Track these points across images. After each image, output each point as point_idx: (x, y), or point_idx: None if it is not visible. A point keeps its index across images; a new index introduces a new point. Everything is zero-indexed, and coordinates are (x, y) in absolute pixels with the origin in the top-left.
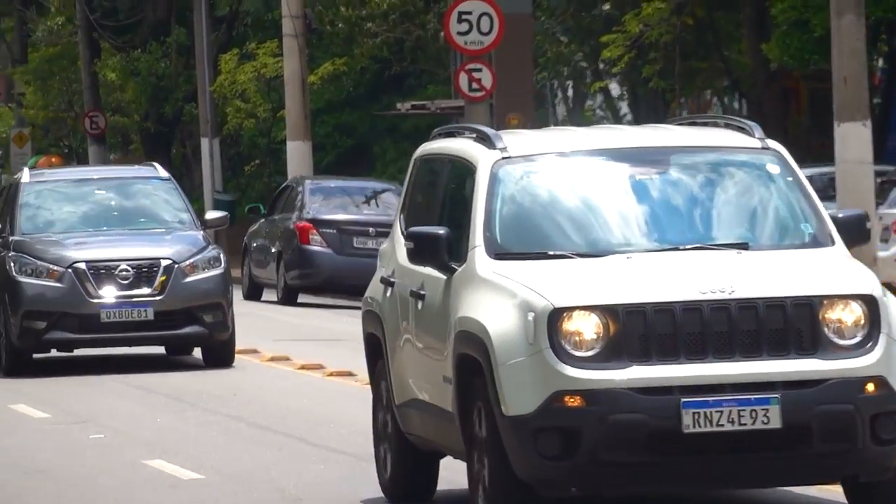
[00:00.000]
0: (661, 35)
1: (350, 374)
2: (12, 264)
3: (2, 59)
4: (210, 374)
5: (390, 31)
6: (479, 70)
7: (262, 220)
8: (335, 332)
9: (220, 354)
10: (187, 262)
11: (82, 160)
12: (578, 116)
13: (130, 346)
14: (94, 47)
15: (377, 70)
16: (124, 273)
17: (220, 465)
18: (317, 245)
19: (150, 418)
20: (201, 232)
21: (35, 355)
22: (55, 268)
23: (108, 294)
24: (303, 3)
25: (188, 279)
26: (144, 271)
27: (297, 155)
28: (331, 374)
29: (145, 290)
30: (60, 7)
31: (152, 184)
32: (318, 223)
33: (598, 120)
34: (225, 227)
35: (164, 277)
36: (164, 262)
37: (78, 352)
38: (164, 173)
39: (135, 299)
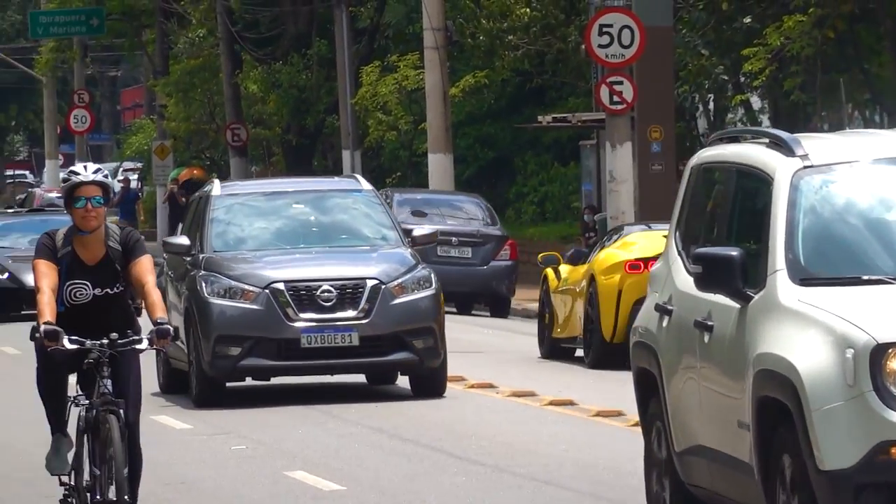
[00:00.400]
0: (803, 48)
1: (491, 386)
2: (203, 284)
3: (144, 71)
4: (349, 387)
5: (531, 44)
6: (621, 83)
7: None
8: (469, 344)
9: (431, 383)
10: (395, 283)
11: (224, 173)
12: (720, 130)
13: (332, 374)
14: (236, 59)
15: (518, 82)
16: (326, 294)
17: (362, 477)
18: None
19: (291, 430)
20: (409, 249)
21: (228, 384)
22: (251, 288)
23: (309, 317)
24: (444, 16)
25: (396, 301)
26: (349, 292)
27: (439, 167)
28: (472, 386)
29: (350, 313)
30: (202, 19)
31: (353, 197)
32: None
33: None
34: (434, 245)
35: (370, 299)
36: (369, 283)
37: (275, 380)
38: (366, 185)
39: (338, 323)
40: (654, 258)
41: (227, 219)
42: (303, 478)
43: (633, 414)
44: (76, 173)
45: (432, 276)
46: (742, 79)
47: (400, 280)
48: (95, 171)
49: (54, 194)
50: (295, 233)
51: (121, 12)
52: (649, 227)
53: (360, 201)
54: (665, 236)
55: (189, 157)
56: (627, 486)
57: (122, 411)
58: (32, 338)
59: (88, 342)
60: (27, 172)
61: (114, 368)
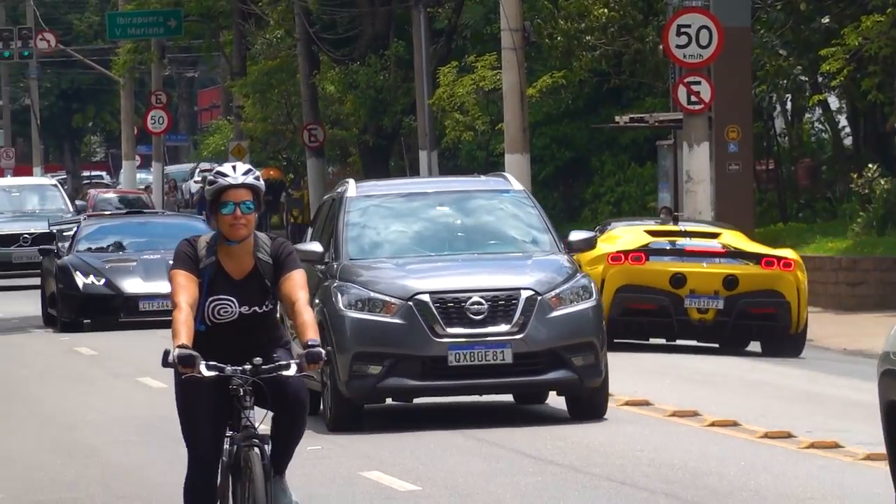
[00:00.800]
0: (881, 48)
1: None
2: (339, 296)
3: (221, 72)
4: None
5: (609, 44)
6: (698, 83)
7: None
8: None
9: (591, 405)
10: (552, 294)
11: (300, 173)
12: (798, 130)
13: (481, 394)
14: (313, 60)
15: (596, 83)
16: (477, 307)
17: (437, 477)
18: None
19: (366, 430)
20: (565, 256)
21: (366, 406)
22: (393, 300)
23: (458, 332)
24: (522, 17)
25: (554, 314)
26: (501, 304)
27: (516, 168)
28: None
29: (502, 328)
30: (280, 20)
31: (502, 198)
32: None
33: (817, 133)
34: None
35: (524, 312)
36: (524, 294)
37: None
38: (517, 185)
39: (489, 339)
40: (635, 250)
41: (364, 223)
42: (378, 478)
43: (709, 414)
44: (223, 175)
45: (592, 285)
46: (820, 79)
47: (558, 290)
48: (245, 173)
49: (111, 195)
50: (439, 238)
51: (198, 14)
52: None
53: (510, 202)
54: (647, 231)
55: (266, 157)
56: (703, 487)
57: (266, 446)
58: (165, 363)
59: (228, 368)
60: (104, 173)
61: (258, 397)
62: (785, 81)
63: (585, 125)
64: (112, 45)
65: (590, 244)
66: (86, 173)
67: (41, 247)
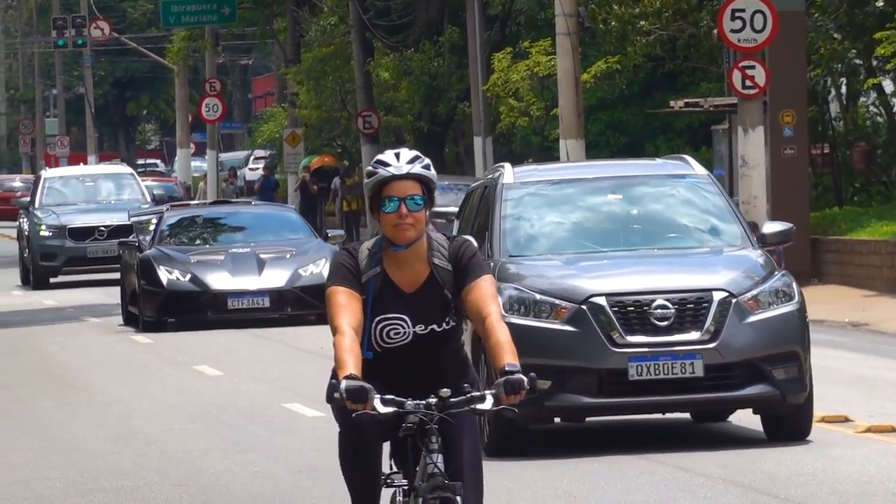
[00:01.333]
0: None
1: None
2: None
3: (275, 59)
4: None
5: (663, 29)
6: (753, 67)
7: None
8: None
9: (793, 424)
10: (749, 295)
11: (355, 160)
12: (852, 114)
13: (664, 412)
14: (368, 47)
15: (650, 68)
16: (661, 311)
17: (492, 464)
18: None
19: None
20: (759, 251)
21: (532, 426)
22: (563, 304)
23: (639, 341)
24: (576, 2)
25: (751, 319)
26: (690, 308)
27: (571, 153)
28: None
29: (692, 336)
30: (333, 7)
31: (683, 183)
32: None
33: (872, 117)
34: (790, 244)
35: (717, 317)
36: (716, 296)
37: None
38: (699, 169)
39: (677, 348)
40: None
41: (525, 214)
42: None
43: None
44: (384, 164)
45: (794, 284)
46: (874, 62)
47: (755, 291)
48: (412, 161)
49: (150, 182)
50: (611, 230)
51: (252, 1)
52: None
53: (690, 189)
54: None
55: (320, 144)
56: (760, 471)
57: (459, 498)
58: (330, 398)
59: (409, 402)
60: (158, 161)
61: (444, 437)
62: (839, 65)
63: (640, 110)
64: (166, 33)
65: (787, 237)
66: (140, 161)
67: (121, 240)
